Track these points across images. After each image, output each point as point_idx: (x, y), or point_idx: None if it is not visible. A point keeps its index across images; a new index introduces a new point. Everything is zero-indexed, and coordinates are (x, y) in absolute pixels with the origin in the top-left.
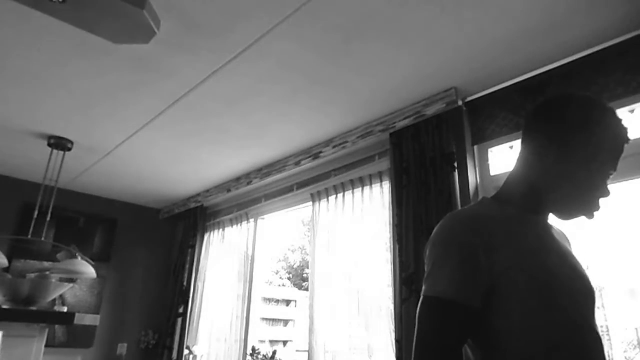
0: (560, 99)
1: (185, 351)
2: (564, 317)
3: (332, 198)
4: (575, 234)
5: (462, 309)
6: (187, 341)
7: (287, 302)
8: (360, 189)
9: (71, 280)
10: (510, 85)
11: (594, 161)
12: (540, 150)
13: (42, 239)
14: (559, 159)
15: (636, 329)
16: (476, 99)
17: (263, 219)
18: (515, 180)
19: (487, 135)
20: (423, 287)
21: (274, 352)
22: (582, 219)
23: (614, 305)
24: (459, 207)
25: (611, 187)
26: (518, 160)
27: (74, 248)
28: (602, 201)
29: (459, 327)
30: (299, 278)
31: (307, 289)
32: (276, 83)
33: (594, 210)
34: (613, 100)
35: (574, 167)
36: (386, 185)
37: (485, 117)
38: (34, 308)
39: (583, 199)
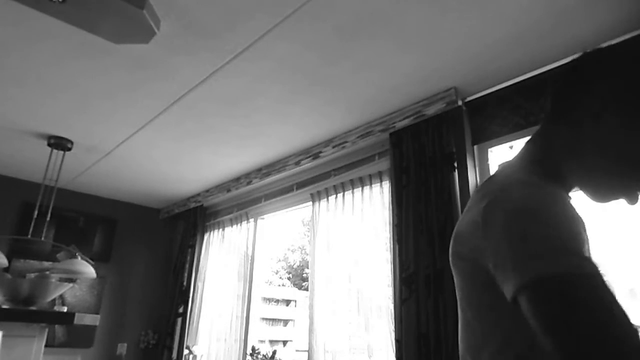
0: (615, 51)
1: (185, 351)
2: None
3: (332, 198)
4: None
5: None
6: (187, 341)
7: (287, 302)
8: (360, 189)
9: (71, 280)
10: (510, 85)
11: None
12: (590, 115)
13: (42, 239)
14: (614, 127)
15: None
16: (476, 99)
17: (263, 219)
18: (550, 150)
19: (487, 135)
20: (548, 266)
21: (274, 352)
22: (619, 203)
23: None
24: (459, 207)
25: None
26: (545, 128)
27: (74, 248)
28: None
29: None
30: (299, 278)
31: (307, 289)
32: (276, 83)
33: None
34: None
35: (633, 137)
36: (386, 185)
37: (485, 117)
38: (34, 308)
39: (633, 178)
